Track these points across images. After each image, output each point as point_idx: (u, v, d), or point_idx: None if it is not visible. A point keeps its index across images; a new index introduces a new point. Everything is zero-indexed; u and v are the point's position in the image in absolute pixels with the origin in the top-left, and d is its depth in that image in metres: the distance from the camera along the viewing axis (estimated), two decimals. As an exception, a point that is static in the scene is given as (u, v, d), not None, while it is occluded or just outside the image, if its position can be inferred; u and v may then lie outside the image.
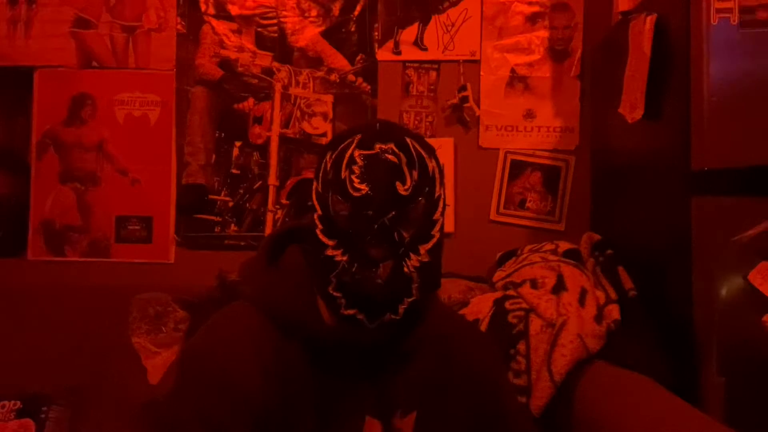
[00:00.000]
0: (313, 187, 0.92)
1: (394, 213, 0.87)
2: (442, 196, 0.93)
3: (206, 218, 2.10)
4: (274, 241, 1.03)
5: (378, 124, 0.93)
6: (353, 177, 0.87)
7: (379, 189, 0.87)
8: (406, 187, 0.87)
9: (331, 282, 0.88)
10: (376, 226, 0.86)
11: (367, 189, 0.86)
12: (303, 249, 0.98)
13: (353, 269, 0.86)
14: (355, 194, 0.87)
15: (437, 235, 0.92)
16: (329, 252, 0.88)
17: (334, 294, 0.88)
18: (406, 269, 0.87)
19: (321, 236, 0.89)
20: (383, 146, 0.88)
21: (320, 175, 0.92)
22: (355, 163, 0.88)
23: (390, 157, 0.88)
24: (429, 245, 0.90)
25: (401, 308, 0.88)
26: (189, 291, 1.81)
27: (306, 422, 0.93)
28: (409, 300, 0.88)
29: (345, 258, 0.87)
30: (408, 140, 0.90)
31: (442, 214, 0.93)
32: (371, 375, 0.96)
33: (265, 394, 0.90)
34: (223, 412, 0.87)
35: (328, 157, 0.91)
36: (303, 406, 0.93)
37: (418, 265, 0.88)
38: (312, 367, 0.94)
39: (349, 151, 0.89)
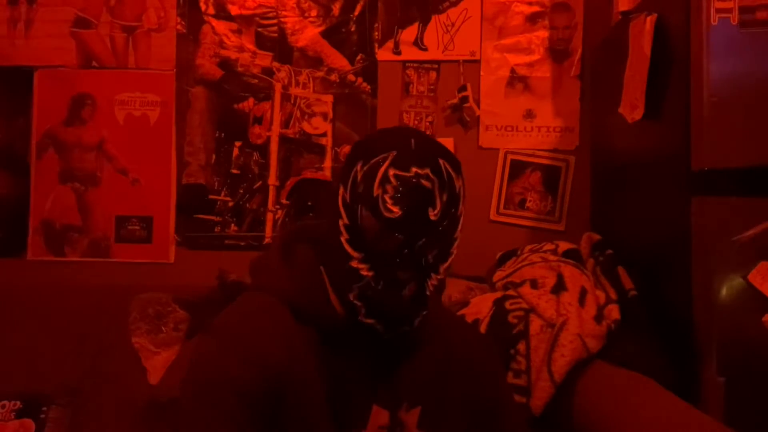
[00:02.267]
0: (340, 192, 0.93)
1: (425, 239, 0.89)
2: (463, 213, 0.95)
3: (206, 218, 2.10)
4: (286, 240, 1.05)
5: (413, 141, 0.92)
6: (386, 197, 0.88)
7: (413, 215, 0.88)
8: (435, 212, 0.89)
9: (353, 290, 0.91)
10: (406, 250, 0.89)
11: (399, 212, 0.88)
12: (315, 248, 1.01)
13: (379, 287, 0.90)
14: (388, 215, 0.88)
15: (455, 252, 0.95)
16: (354, 264, 0.91)
17: (355, 302, 0.91)
18: (427, 290, 0.92)
19: (347, 246, 0.91)
20: (420, 171, 0.89)
21: (349, 183, 0.92)
22: (389, 182, 0.88)
23: (425, 183, 0.89)
24: (447, 263, 0.94)
25: (417, 321, 0.93)
26: (189, 291, 1.81)
27: (316, 406, 0.94)
28: (424, 312, 0.93)
29: (371, 274, 0.90)
30: (441, 162, 0.91)
31: (461, 230, 0.95)
32: (381, 364, 0.98)
33: (284, 363, 0.92)
34: (247, 373, 0.89)
35: (359, 167, 0.92)
36: (314, 391, 0.94)
37: (436, 283, 0.93)
38: (323, 353, 0.95)
39: (383, 168, 0.89)
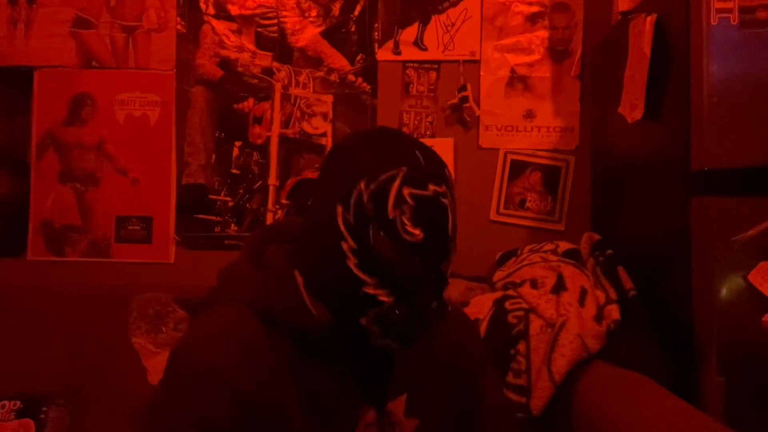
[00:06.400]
0: (338, 212, 0.86)
1: (448, 260, 0.86)
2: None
3: (206, 218, 2.10)
4: (255, 243, 1.02)
5: (421, 156, 0.86)
6: (404, 219, 0.82)
7: (436, 236, 0.83)
8: (450, 227, 0.85)
9: (366, 315, 0.86)
10: (432, 274, 0.85)
11: (421, 235, 0.82)
12: (286, 249, 0.97)
13: (402, 311, 0.85)
14: (408, 238, 0.82)
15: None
16: (369, 290, 0.85)
17: (369, 326, 0.87)
18: (446, 303, 0.88)
19: (357, 271, 0.85)
20: (438, 189, 0.83)
21: (352, 203, 0.85)
22: (406, 203, 0.82)
23: (444, 201, 0.84)
24: (450, 266, 0.90)
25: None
26: (189, 291, 1.80)
27: (296, 415, 0.92)
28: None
29: (391, 300, 0.85)
30: (446, 173, 0.87)
31: None
32: (361, 363, 0.96)
33: (251, 386, 0.88)
34: (211, 405, 0.86)
35: (362, 186, 0.84)
36: (292, 399, 0.92)
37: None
38: (300, 359, 0.92)
39: (395, 187, 0.82)
